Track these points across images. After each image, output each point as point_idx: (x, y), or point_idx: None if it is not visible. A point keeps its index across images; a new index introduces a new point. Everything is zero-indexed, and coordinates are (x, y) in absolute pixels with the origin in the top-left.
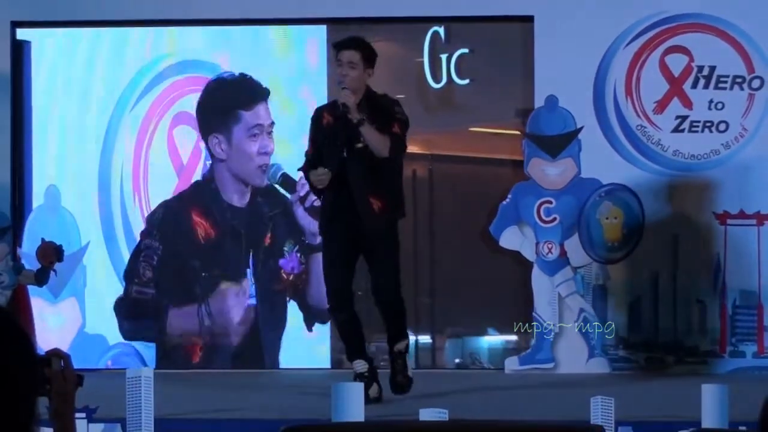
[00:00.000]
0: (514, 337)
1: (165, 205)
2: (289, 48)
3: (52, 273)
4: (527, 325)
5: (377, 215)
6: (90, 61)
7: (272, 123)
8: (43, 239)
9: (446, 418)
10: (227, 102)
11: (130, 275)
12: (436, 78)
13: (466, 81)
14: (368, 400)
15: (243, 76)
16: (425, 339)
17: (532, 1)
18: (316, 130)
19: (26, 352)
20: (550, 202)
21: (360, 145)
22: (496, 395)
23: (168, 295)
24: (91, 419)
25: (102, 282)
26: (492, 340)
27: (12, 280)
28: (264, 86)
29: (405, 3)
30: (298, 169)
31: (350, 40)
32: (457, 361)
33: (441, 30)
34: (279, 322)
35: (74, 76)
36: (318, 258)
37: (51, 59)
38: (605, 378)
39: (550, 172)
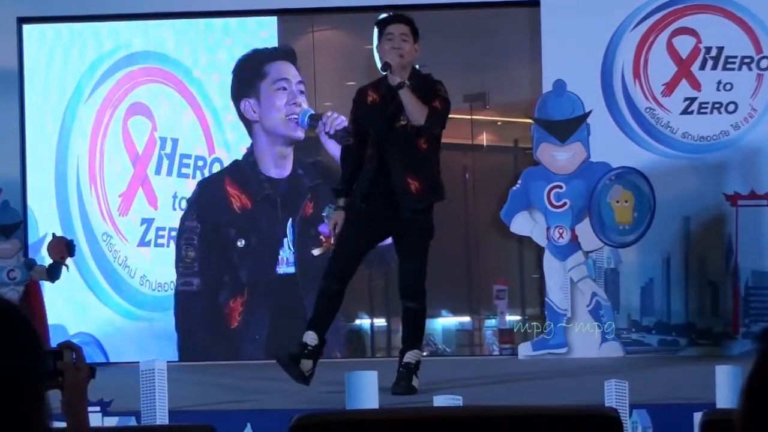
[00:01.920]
0: (467, 319)
1: (202, 185)
2: (241, 38)
3: (63, 268)
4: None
5: (414, 196)
6: (50, 53)
7: (300, 82)
8: (54, 234)
9: (460, 404)
10: (253, 66)
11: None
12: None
13: (417, 67)
14: (297, 367)
15: (266, 48)
16: (381, 322)
17: None
18: (359, 108)
19: (31, 344)
20: (561, 187)
21: (402, 122)
22: (510, 381)
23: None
24: (105, 413)
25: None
26: (446, 322)
27: (24, 276)
28: (289, 47)
29: None
30: (308, 117)
31: (399, 16)
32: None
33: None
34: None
35: (35, 68)
36: None
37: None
38: (619, 361)
39: (560, 157)
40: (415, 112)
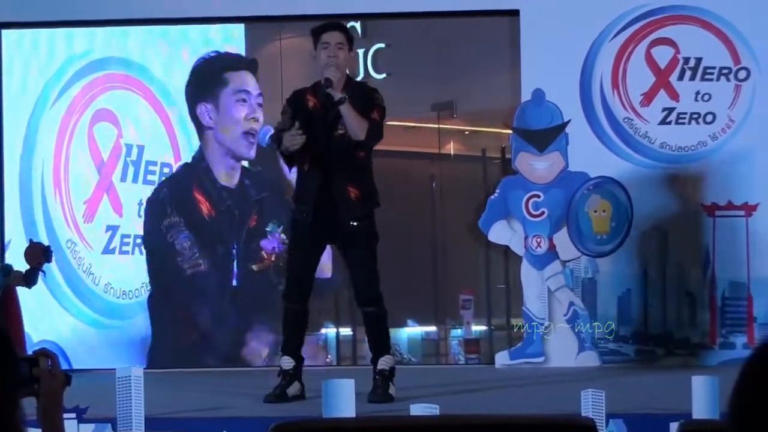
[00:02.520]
0: (433, 328)
1: (167, 185)
2: (208, 45)
3: (40, 274)
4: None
5: (354, 203)
6: (26, 58)
7: (260, 94)
8: (30, 240)
9: (437, 413)
10: (214, 71)
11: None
12: (353, 73)
13: (383, 75)
14: (287, 398)
15: (228, 53)
16: (346, 332)
17: None
18: (300, 110)
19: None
20: (539, 196)
21: (340, 131)
22: (487, 390)
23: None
24: (81, 419)
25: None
26: (412, 331)
27: (1, 282)
28: (252, 58)
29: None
30: (269, 136)
31: (334, 24)
32: None
33: (357, 25)
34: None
35: (12, 73)
36: None
37: None
38: (595, 371)
39: (538, 166)
40: (356, 127)
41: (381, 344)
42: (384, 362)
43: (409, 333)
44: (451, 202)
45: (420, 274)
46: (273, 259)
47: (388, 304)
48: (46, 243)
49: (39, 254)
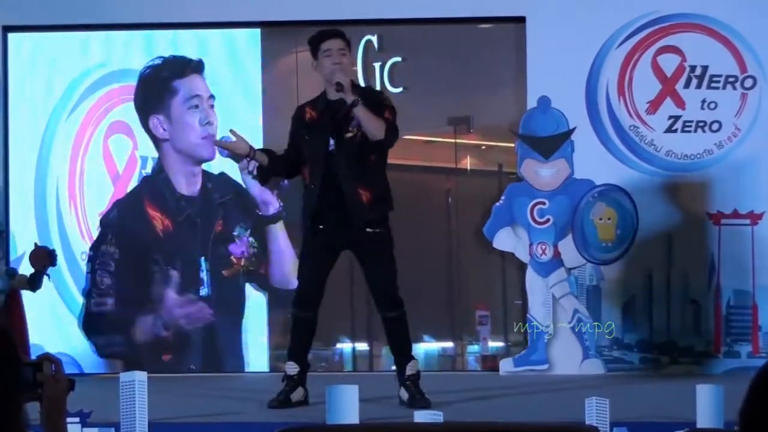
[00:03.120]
0: (450, 344)
1: (118, 204)
2: (223, 52)
3: (45, 277)
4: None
5: (366, 206)
6: (32, 63)
7: (212, 96)
8: (35, 244)
9: (441, 420)
10: (161, 80)
11: (89, 287)
12: (369, 85)
13: (400, 89)
14: (291, 404)
15: (174, 56)
16: (362, 346)
17: (523, 1)
18: (299, 128)
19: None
20: (544, 203)
21: (350, 134)
22: (491, 397)
23: (129, 299)
24: (85, 423)
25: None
26: (428, 347)
27: (5, 285)
28: (197, 60)
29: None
30: (253, 177)
31: (332, 31)
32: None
33: (374, 38)
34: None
35: (18, 78)
36: (273, 236)
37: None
38: (600, 379)
39: (543, 173)
40: (374, 127)
41: (406, 349)
42: (411, 367)
43: (425, 348)
44: (466, 217)
45: (436, 289)
46: (243, 263)
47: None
48: (61, 254)
49: (44, 258)
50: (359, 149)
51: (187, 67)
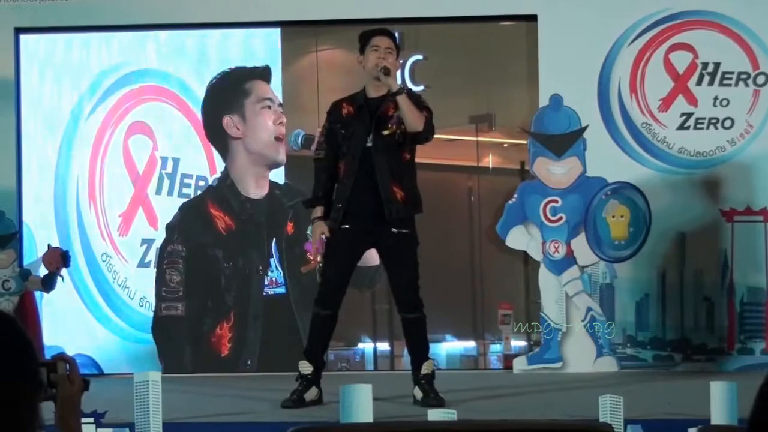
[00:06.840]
0: (472, 344)
1: (183, 207)
2: (243, 57)
3: (58, 278)
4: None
5: (400, 205)
6: (45, 64)
7: (280, 103)
8: (49, 245)
9: (455, 418)
10: (232, 84)
11: (158, 288)
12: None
13: (421, 87)
14: (305, 403)
15: (239, 68)
16: (384, 346)
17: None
18: (335, 121)
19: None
20: (556, 201)
21: (387, 132)
22: (505, 395)
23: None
24: (99, 424)
25: (58, 292)
26: (450, 346)
27: (19, 286)
28: (264, 66)
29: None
30: (301, 138)
31: (384, 30)
32: None
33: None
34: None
35: (31, 79)
36: None
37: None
38: (613, 376)
39: (556, 171)
40: (414, 118)
41: (422, 350)
42: (426, 367)
43: (447, 348)
44: (489, 215)
45: (458, 287)
46: (319, 259)
47: (427, 317)
48: (81, 256)
49: (57, 259)
50: (395, 146)
51: (255, 72)
